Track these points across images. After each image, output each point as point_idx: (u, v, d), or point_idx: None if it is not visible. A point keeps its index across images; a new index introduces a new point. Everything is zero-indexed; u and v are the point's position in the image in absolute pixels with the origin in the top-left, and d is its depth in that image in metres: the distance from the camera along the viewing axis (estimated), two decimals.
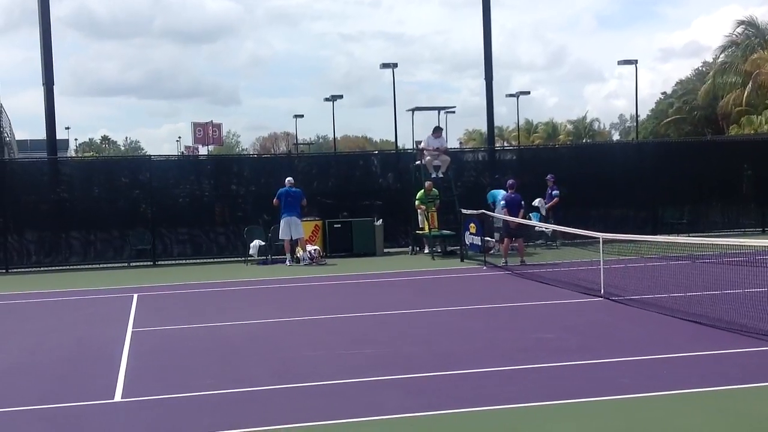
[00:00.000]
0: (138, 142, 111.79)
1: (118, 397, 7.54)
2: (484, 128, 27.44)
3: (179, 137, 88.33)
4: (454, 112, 46.41)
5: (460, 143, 58.34)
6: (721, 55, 53.19)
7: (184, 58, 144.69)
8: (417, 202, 19.95)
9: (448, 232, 19.85)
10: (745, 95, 47.51)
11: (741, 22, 50.67)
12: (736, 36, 50.66)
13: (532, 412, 6.65)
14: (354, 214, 21.28)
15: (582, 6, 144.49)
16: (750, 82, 46.61)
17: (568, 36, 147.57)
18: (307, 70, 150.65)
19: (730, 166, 23.68)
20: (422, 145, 21.42)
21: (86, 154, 75.77)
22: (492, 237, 19.05)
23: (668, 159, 23.48)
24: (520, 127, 66.66)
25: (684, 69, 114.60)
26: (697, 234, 20.28)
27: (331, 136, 53.19)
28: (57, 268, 20.08)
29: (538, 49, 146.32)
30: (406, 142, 46.90)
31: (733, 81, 49.66)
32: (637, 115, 46.28)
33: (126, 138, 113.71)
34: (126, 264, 20.28)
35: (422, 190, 19.80)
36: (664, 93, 68.89)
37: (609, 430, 6.21)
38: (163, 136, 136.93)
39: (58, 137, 23.19)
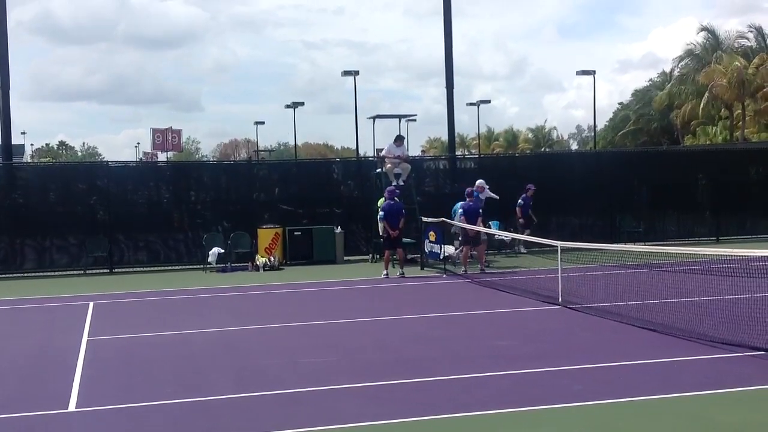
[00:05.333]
0: (96, 148, 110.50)
1: (72, 407, 7.43)
2: (445, 136, 27.52)
3: (138, 143, 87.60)
4: (415, 120, 46.43)
5: (423, 151, 58.32)
6: (678, 66, 54.23)
7: (147, 64, 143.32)
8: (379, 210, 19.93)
9: (408, 240, 19.87)
10: (700, 106, 48.44)
11: (703, 28, 51.59)
12: (694, 45, 51.65)
13: (489, 419, 6.70)
14: (314, 221, 21.22)
15: (544, 16, 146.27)
16: (705, 94, 47.51)
17: (530, 46, 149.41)
18: (270, 76, 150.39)
19: (685, 175, 24.06)
20: (384, 152, 21.44)
21: (42, 160, 74.54)
22: (452, 245, 19.11)
23: (626, 168, 23.82)
24: (480, 136, 67.13)
25: (641, 80, 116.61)
26: (653, 243, 20.59)
27: (292, 143, 53.06)
28: (10, 275, 19.65)
29: (500, 58, 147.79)
30: (367, 150, 46.80)
31: (689, 91, 50.61)
32: (595, 126, 46.78)
33: (83, 143, 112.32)
34: (82, 271, 19.95)
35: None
36: (621, 103, 70.04)
37: None
38: (123, 142, 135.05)
39: (13, 142, 22.78)
